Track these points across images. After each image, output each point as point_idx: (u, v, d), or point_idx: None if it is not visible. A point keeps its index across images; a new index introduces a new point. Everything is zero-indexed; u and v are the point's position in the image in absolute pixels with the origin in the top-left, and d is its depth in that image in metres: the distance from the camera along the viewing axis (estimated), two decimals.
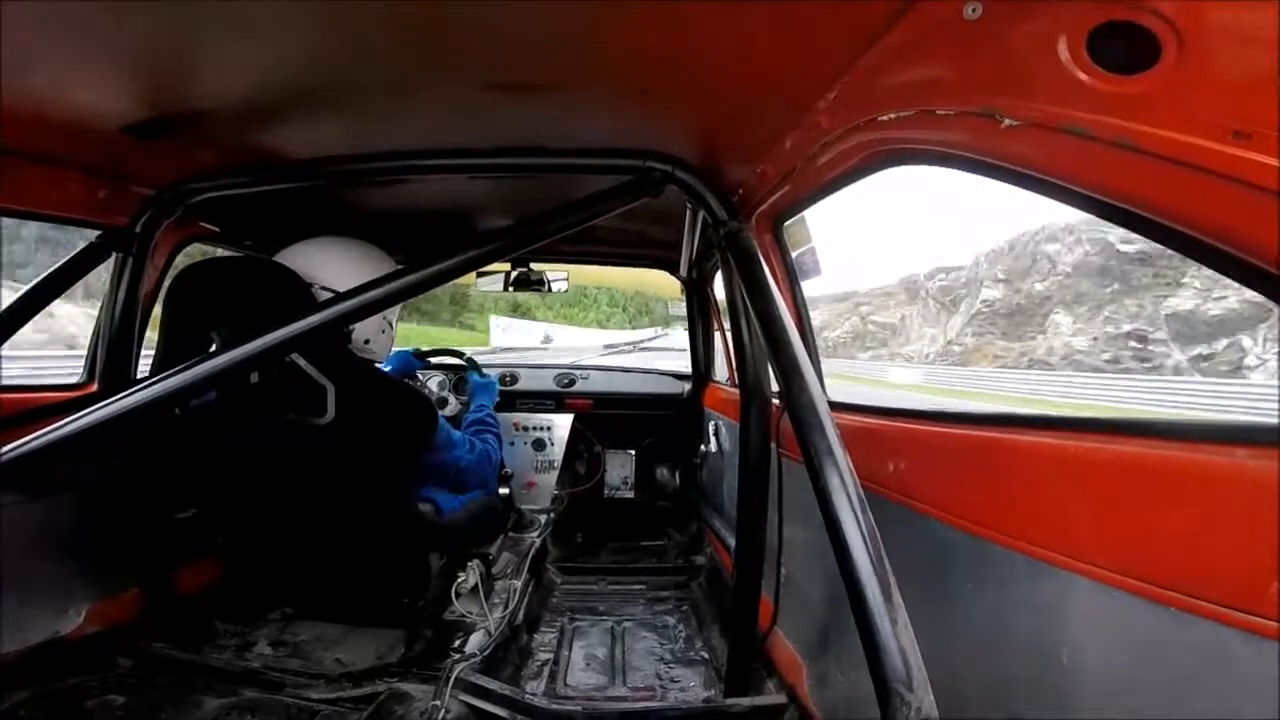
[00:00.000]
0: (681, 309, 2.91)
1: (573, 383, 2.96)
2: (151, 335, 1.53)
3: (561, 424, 2.88)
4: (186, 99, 1.09)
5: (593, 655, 1.91)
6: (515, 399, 2.87)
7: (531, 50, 0.89)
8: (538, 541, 2.25)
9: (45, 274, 1.38)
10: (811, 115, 1.01)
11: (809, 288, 1.50)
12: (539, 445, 2.86)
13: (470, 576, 1.64)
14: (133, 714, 1.26)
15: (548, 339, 15.41)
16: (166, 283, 1.57)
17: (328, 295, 1.38)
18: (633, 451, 3.08)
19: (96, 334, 1.60)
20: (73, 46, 0.87)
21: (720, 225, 1.22)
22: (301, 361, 1.30)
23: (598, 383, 2.99)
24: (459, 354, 2.64)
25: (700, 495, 2.68)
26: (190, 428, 1.37)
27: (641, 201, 1.26)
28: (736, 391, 1.53)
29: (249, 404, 1.33)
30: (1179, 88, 0.53)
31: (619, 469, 3.08)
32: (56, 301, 1.43)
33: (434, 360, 2.60)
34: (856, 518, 0.70)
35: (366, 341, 1.50)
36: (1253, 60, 0.49)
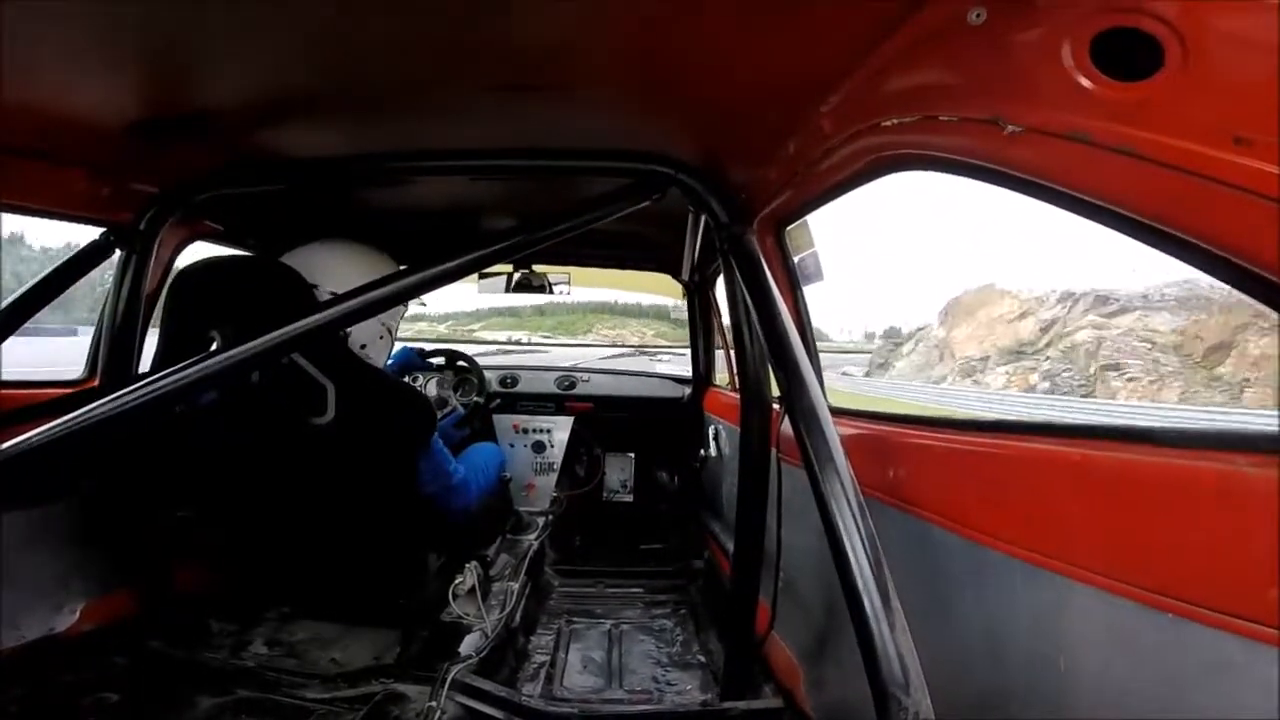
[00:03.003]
0: None
1: (573, 385, 2.96)
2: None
3: (561, 426, 2.88)
4: (192, 99, 1.09)
5: (590, 658, 1.90)
6: (515, 401, 2.87)
7: (535, 52, 0.89)
8: (536, 544, 2.25)
9: (48, 270, 1.39)
10: (814, 120, 1.01)
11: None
12: (538, 447, 2.86)
13: (468, 578, 1.64)
14: (127, 712, 1.26)
15: None
16: (169, 281, 1.57)
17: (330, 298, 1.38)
18: (632, 454, 3.07)
19: (99, 331, 1.60)
20: (79, 46, 0.88)
21: (723, 229, 1.22)
22: (302, 361, 1.31)
23: (598, 385, 2.99)
24: (467, 359, 2.64)
25: (699, 499, 2.68)
26: (190, 426, 1.37)
27: (644, 204, 1.26)
28: (737, 396, 1.53)
29: (249, 402, 1.33)
30: (1182, 94, 0.53)
31: (618, 472, 3.08)
32: None
33: (440, 360, 2.60)
34: (856, 522, 0.71)
35: (363, 346, 1.50)
36: (1255, 66, 0.49)
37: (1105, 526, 0.66)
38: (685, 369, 3.03)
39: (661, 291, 3.29)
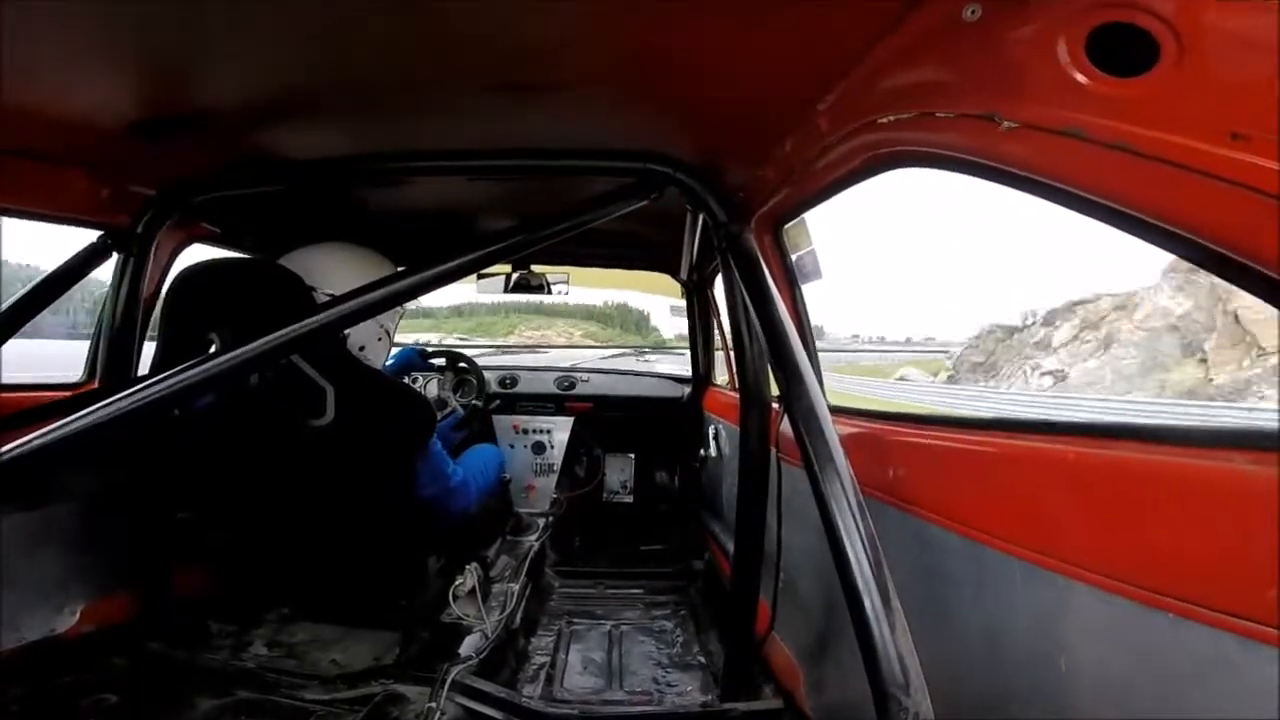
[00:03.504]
0: None
1: (573, 385, 2.96)
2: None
3: (561, 427, 2.88)
4: (189, 100, 1.09)
5: (590, 659, 1.90)
6: (515, 402, 2.87)
7: (533, 52, 0.89)
8: (536, 545, 2.25)
9: (46, 274, 1.39)
10: (811, 118, 1.01)
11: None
12: (538, 448, 2.86)
13: (468, 579, 1.64)
14: (127, 713, 1.26)
15: None
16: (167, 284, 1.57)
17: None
18: (632, 455, 3.07)
19: (98, 333, 1.60)
20: (76, 47, 0.88)
21: (721, 228, 1.22)
22: (301, 363, 1.31)
23: (598, 385, 2.98)
24: (467, 360, 2.64)
25: (699, 499, 2.68)
26: (189, 428, 1.37)
27: (642, 204, 1.26)
28: (736, 395, 1.53)
29: (248, 405, 1.33)
30: (1178, 89, 0.53)
31: (618, 472, 3.08)
32: None
33: (441, 361, 2.60)
34: (855, 522, 0.70)
35: (362, 348, 1.49)
36: (1251, 62, 0.49)
37: (1105, 525, 0.66)
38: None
39: (661, 291, 3.28)
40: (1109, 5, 0.55)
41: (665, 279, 2.77)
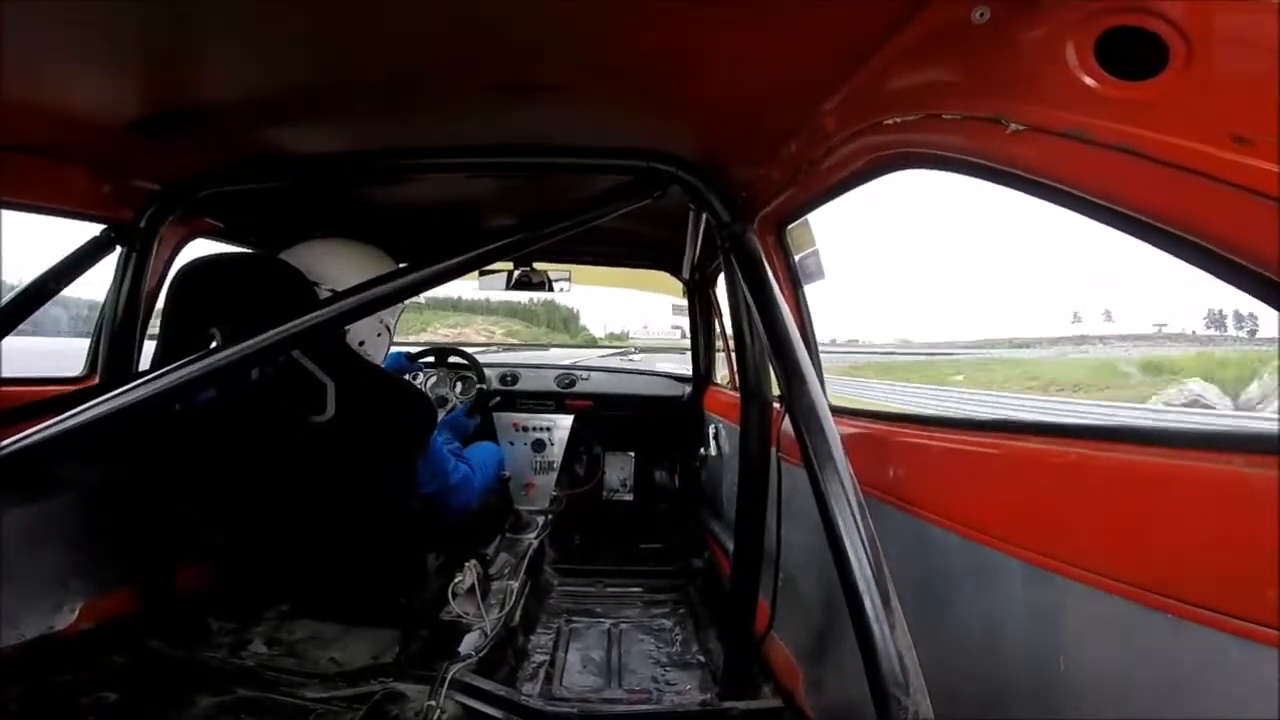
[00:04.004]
0: None
1: (573, 383, 2.96)
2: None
3: (561, 425, 2.88)
4: (192, 96, 1.09)
5: (589, 657, 1.90)
6: (515, 399, 2.88)
7: (536, 50, 0.89)
8: (535, 543, 2.25)
9: (48, 268, 1.39)
10: (817, 118, 1.01)
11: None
12: (538, 446, 2.86)
13: (467, 577, 1.64)
14: (126, 711, 1.26)
15: None
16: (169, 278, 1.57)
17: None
18: (632, 453, 3.07)
19: (99, 328, 1.60)
20: (79, 43, 0.88)
21: (724, 227, 1.22)
22: (302, 358, 1.30)
23: (598, 384, 2.99)
24: (462, 353, 2.65)
25: (699, 498, 2.68)
26: (190, 423, 1.36)
27: (645, 202, 1.26)
28: (737, 394, 1.53)
29: (249, 400, 1.33)
30: (1186, 93, 0.53)
31: (618, 471, 3.08)
32: None
33: (431, 359, 2.60)
34: (856, 522, 0.70)
35: (361, 344, 1.49)
36: (1256, 66, 0.49)
37: (1104, 526, 0.66)
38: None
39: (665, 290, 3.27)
40: (1119, 9, 0.55)
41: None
